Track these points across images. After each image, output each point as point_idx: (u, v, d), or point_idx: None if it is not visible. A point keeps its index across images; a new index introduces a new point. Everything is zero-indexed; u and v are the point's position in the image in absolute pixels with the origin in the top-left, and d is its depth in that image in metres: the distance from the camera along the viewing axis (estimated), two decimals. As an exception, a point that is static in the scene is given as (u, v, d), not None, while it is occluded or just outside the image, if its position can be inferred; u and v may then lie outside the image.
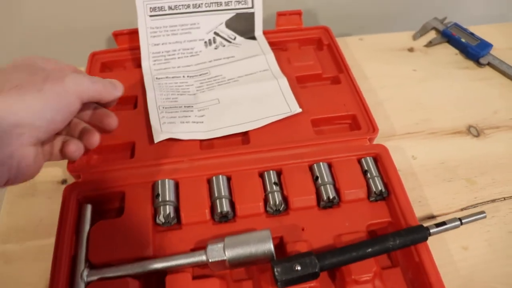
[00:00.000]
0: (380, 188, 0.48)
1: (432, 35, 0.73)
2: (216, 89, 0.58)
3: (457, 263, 0.47)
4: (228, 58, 0.62)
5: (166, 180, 0.48)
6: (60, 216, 0.46)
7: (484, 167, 0.56)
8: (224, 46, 0.64)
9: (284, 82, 0.58)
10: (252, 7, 0.63)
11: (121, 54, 0.64)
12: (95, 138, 0.44)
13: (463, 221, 0.45)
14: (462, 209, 0.51)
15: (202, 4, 0.61)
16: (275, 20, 0.66)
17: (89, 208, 0.47)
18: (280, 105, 0.55)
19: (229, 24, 0.63)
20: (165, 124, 0.53)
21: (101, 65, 0.63)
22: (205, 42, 0.63)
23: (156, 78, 0.59)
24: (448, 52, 0.70)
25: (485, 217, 0.45)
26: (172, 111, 0.55)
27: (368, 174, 0.50)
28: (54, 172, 0.54)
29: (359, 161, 0.51)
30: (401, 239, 0.43)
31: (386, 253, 0.44)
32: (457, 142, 0.58)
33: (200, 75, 0.60)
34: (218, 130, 0.53)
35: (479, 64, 0.68)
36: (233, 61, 0.62)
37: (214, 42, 0.63)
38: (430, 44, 0.71)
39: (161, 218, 0.46)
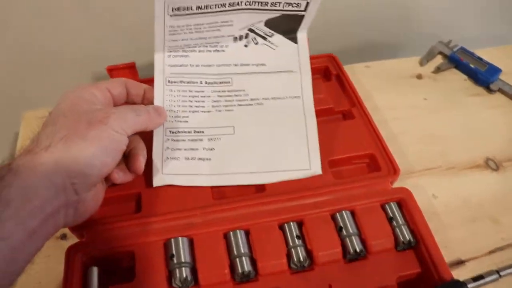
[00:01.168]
0: (408, 238, 0.45)
1: (438, 60, 0.70)
2: (235, 110, 0.52)
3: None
4: (257, 65, 0.54)
5: (180, 238, 0.44)
6: (64, 281, 0.42)
7: (507, 204, 0.53)
8: (256, 43, 0.55)
9: (312, 125, 0.52)
10: (304, 11, 0.52)
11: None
12: (139, 164, 0.45)
13: (501, 273, 0.42)
14: (490, 252, 0.49)
15: (241, 2, 0.50)
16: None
17: (95, 272, 0.43)
18: (300, 159, 0.50)
19: (270, 23, 0.54)
20: (167, 161, 0.49)
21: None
22: (235, 37, 0.54)
23: (169, 82, 0.52)
24: (457, 78, 0.68)
25: (523, 267, 0.43)
26: (179, 139, 0.50)
27: (394, 222, 0.47)
28: (52, 227, 0.50)
29: (383, 207, 0.48)
30: (438, 297, 0.41)
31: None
32: (477, 177, 0.56)
33: (220, 83, 0.53)
34: (227, 176, 0.49)
35: (489, 90, 0.66)
36: (262, 71, 0.54)
37: (246, 37, 0.54)
38: (438, 70, 0.68)
39: (177, 283, 0.42)
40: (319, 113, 0.57)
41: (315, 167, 0.50)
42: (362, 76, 0.66)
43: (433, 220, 0.50)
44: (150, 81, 0.55)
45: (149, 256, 0.43)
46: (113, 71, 0.60)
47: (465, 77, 0.68)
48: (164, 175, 0.48)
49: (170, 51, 0.52)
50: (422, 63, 0.69)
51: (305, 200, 0.48)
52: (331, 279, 0.44)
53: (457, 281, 0.42)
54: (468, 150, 0.59)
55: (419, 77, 0.68)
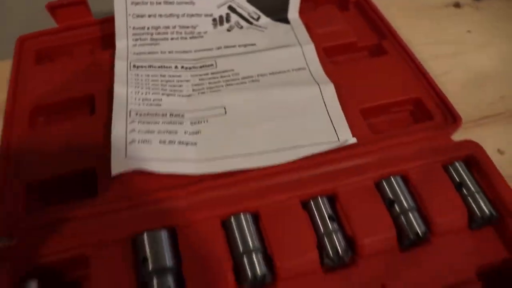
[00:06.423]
0: (488, 212, 0.31)
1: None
2: (223, 91, 0.38)
3: None
4: (246, 46, 0.42)
5: (155, 232, 0.29)
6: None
7: None
8: (241, 28, 0.44)
9: (329, 90, 0.38)
10: None
11: (65, 36, 0.44)
12: None
13: None
14: None
15: None
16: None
17: (34, 286, 0.28)
18: (321, 128, 0.35)
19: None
20: (133, 144, 0.34)
21: (35, 54, 0.43)
22: (214, 19, 0.43)
23: (134, 66, 0.39)
24: (504, 4, 0.53)
25: None
26: (150, 121, 0.35)
27: (464, 190, 0.33)
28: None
29: (446, 169, 0.34)
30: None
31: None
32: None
33: (200, 67, 0.40)
34: (219, 161, 0.33)
35: (546, 17, 0.52)
36: (252, 51, 0.42)
37: (228, 21, 0.43)
38: (479, -4, 0.54)
39: (155, 299, 0.27)
40: (337, 50, 0.43)
41: (344, 135, 0.35)
42: (388, 6, 0.50)
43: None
44: (109, 21, 0.42)
45: (110, 261, 0.29)
46: (56, 10, 0.44)
47: (513, 2, 0.54)
48: (129, 160, 0.33)
49: (136, 39, 0.42)
50: (457, -11, 0.55)
51: (337, 165, 0.33)
52: (384, 276, 0.30)
53: None
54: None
55: (456, 5, 0.53)
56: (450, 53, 0.47)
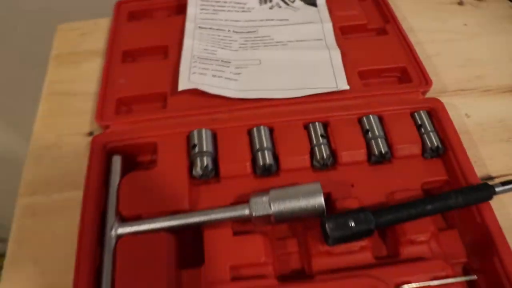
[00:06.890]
0: (436, 144, 0.44)
1: (482, -12, 0.67)
2: (261, 49, 0.53)
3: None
4: (281, 20, 0.57)
5: (203, 129, 0.44)
6: (88, 167, 0.43)
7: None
8: (280, 7, 0.59)
9: (336, 54, 0.52)
10: None
11: (152, 3, 0.60)
12: None
13: (533, 180, 0.40)
14: (523, 170, 0.47)
15: None
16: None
17: (118, 160, 0.44)
18: (326, 78, 0.50)
19: None
20: (195, 74, 0.49)
21: (128, 14, 0.59)
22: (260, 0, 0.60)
23: (199, 27, 0.55)
24: (502, 6, 0.64)
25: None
26: (207, 63, 0.51)
27: (423, 129, 0.45)
28: (80, 124, 0.51)
29: (412, 115, 0.47)
30: (463, 196, 0.39)
31: (446, 211, 0.40)
32: (516, 101, 0.53)
33: (247, 32, 0.56)
34: (252, 91, 0.48)
35: (535, 19, 0.62)
36: (285, 24, 0.57)
37: (270, 1, 0.59)
38: (481, -2, 0.65)
39: (198, 170, 0.42)
40: (351, 29, 0.56)
41: (341, 84, 0.49)
42: (399, 1, 0.63)
43: (464, 138, 0.48)
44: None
45: (171, 146, 0.44)
46: None
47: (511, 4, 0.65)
48: (191, 82, 0.48)
49: (202, 9, 0.58)
50: (464, -9, 0.66)
51: (333, 103, 0.47)
52: (353, 179, 0.43)
53: (485, 183, 0.40)
54: (508, 75, 0.56)
55: (460, 3, 0.65)
56: (444, 40, 0.59)
